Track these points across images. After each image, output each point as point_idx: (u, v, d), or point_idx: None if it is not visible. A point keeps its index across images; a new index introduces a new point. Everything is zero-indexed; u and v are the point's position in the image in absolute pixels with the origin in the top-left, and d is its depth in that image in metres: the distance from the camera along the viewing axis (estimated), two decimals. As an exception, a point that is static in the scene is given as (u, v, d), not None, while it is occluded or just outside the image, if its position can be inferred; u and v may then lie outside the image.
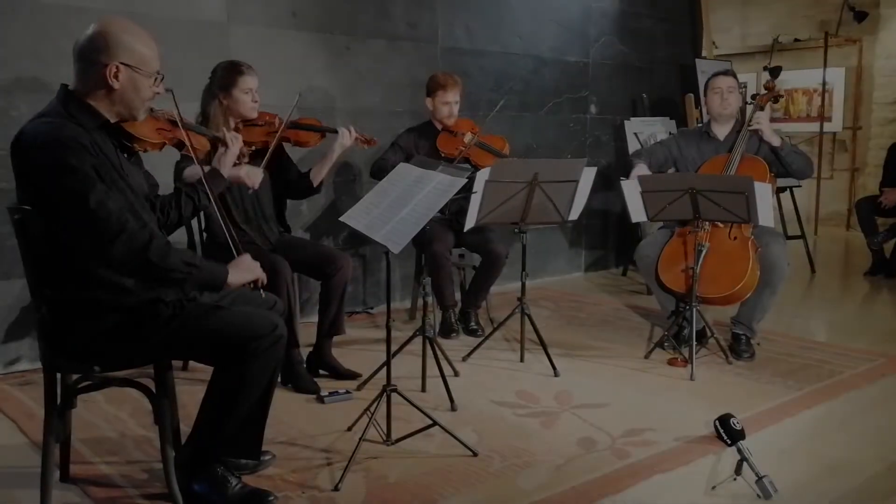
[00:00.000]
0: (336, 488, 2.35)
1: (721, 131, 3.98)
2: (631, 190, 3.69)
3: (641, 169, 3.82)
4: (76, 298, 2.09)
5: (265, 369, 2.18)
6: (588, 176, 3.51)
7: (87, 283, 2.08)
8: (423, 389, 3.22)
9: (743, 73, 6.54)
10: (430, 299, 3.00)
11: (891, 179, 5.98)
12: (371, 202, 2.75)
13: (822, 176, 8.61)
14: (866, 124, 8.69)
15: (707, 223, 3.58)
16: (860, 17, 8.46)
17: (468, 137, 4.07)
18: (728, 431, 2.64)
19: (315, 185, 3.49)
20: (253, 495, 2.23)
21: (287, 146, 3.47)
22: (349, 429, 2.81)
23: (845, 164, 8.91)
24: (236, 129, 3.27)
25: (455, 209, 3.98)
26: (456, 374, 3.45)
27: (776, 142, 3.79)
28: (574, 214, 3.60)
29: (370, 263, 4.77)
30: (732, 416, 2.68)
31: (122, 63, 2.09)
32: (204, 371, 2.47)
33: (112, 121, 2.17)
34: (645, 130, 5.95)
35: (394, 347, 2.82)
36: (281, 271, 3.09)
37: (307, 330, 3.65)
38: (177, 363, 3.18)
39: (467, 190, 3.18)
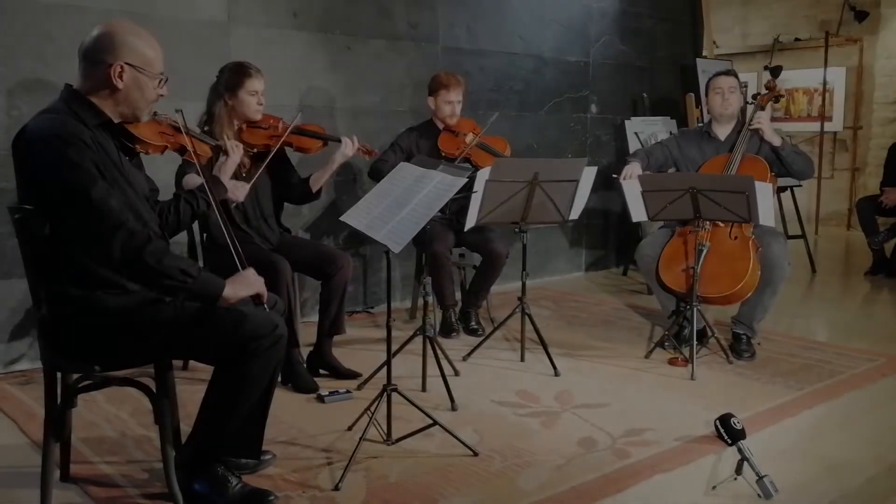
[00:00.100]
0: (336, 488, 2.35)
1: (722, 131, 3.98)
2: (631, 189, 3.69)
3: (634, 167, 3.81)
4: (76, 298, 2.09)
5: (265, 369, 2.18)
6: (589, 176, 3.52)
7: (87, 283, 2.09)
8: (424, 389, 3.22)
9: (744, 73, 6.52)
10: (430, 299, 2.99)
11: (891, 179, 5.98)
12: (371, 202, 2.74)
13: (823, 175, 8.61)
14: (867, 124, 8.69)
15: (708, 223, 3.58)
16: (861, 16, 8.46)
17: (470, 138, 4.07)
18: (728, 431, 2.64)
19: (314, 190, 3.50)
20: (253, 495, 2.23)
21: (288, 151, 3.47)
22: (349, 428, 2.81)
23: (846, 163, 8.90)
24: (240, 131, 3.28)
25: (456, 209, 3.98)
26: (456, 373, 3.45)
27: (777, 142, 3.78)
28: (574, 214, 3.61)
29: (371, 263, 4.78)
30: (733, 416, 2.68)
31: (126, 63, 2.10)
32: (204, 371, 2.47)
33: (115, 121, 2.17)
34: (645, 130, 5.95)
35: (394, 347, 2.82)
36: (281, 271, 3.09)
37: (307, 329, 3.65)
38: (177, 363, 3.18)
39: (468, 189, 3.18)
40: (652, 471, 2.49)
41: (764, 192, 3.39)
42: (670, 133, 5.68)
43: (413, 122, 4.46)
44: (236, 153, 2.74)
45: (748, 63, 9.19)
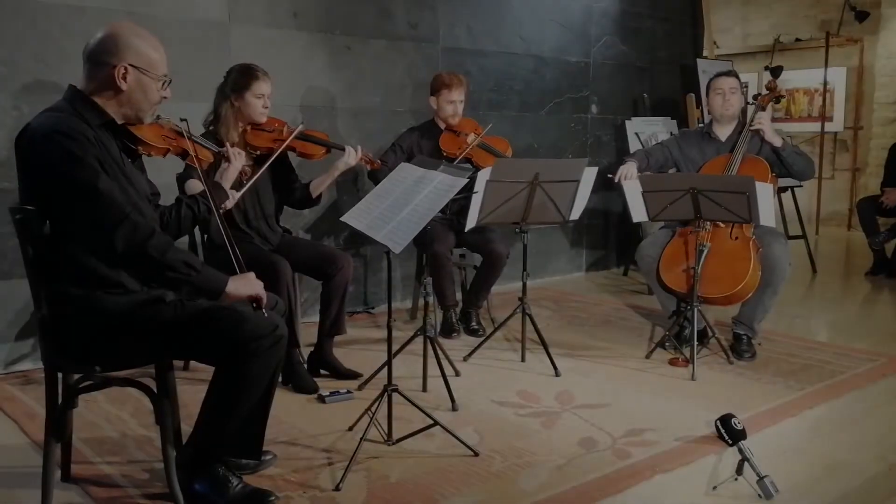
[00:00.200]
0: (337, 488, 2.35)
1: (723, 132, 3.98)
2: (632, 190, 3.69)
3: (630, 167, 3.81)
4: (77, 298, 2.09)
5: (266, 369, 2.18)
6: (589, 176, 3.52)
7: (88, 283, 2.09)
8: (424, 389, 3.22)
9: (744, 73, 6.53)
10: (431, 299, 2.99)
11: (892, 179, 5.98)
12: (372, 202, 2.75)
13: (824, 176, 8.61)
14: (867, 124, 8.69)
15: (708, 223, 3.58)
16: (861, 16, 8.46)
17: (471, 138, 4.07)
18: (729, 431, 2.64)
19: (314, 196, 3.50)
20: (254, 495, 2.23)
21: (291, 156, 3.48)
22: (350, 429, 2.81)
23: (846, 164, 8.91)
24: (244, 132, 3.29)
25: (456, 209, 3.98)
26: (457, 373, 3.45)
27: (778, 142, 3.78)
28: (575, 214, 3.61)
29: (371, 263, 4.78)
30: (733, 416, 2.68)
31: (130, 65, 2.12)
32: (205, 371, 2.47)
33: (118, 122, 2.18)
34: (646, 130, 5.95)
35: (395, 347, 2.82)
36: (281, 271, 3.09)
37: (308, 330, 3.65)
38: (178, 363, 3.18)
39: (468, 190, 3.18)
40: (652, 471, 2.49)
41: (764, 193, 3.39)
42: (671, 133, 5.68)
43: (413, 123, 4.46)
44: (238, 160, 2.75)
45: (749, 63, 9.20)
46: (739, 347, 3.75)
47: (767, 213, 3.43)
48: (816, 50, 8.74)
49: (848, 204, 8.64)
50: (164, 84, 2.20)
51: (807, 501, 2.53)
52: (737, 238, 3.62)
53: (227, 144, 2.88)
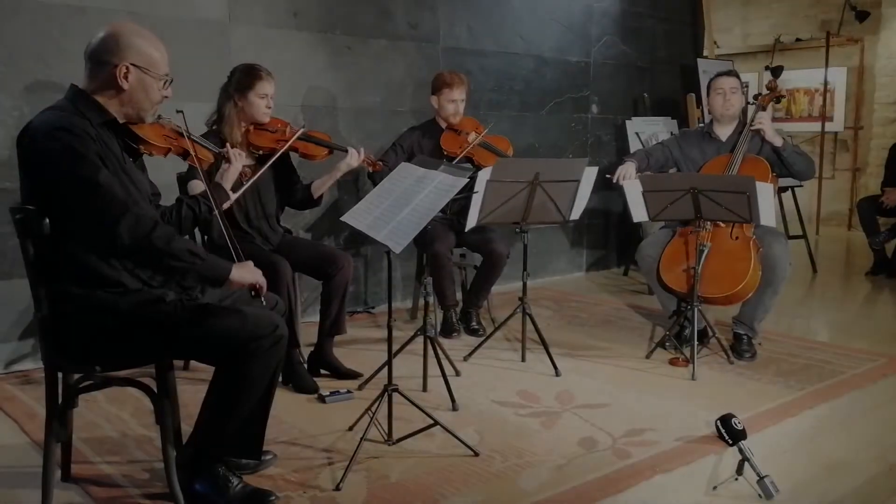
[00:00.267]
0: (337, 488, 2.35)
1: (723, 132, 3.98)
2: (632, 189, 3.69)
3: (628, 168, 3.81)
4: (78, 297, 2.09)
5: (266, 369, 2.18)
6: (589, 176, 3.52)
7: (88, 282, 2.09)
8: (425, 389, 3.22)
9: (744, 73, 6.51)
10: (431, 299, 2.99)
11: (892, 179, 5.98)
12: (372, 202, 2.75)
13: (824, 176, 8.61)
14: (868, 124, 8.68)
15: (709, 223, 3.58)
16: (862, 16, 8.45)
17: (472, 136, 4.07)
18: (729, 431, 2.64)
19: (315, 197, 3.50)
20: (254, 495, 2.23)
21: (293, 157, 3.48)
22: (350, 428, 2.81)
23: (847, 163, 8.90)
24: (247, 132, 3.29)
25: (456, 209, 3.98)
26: (457, 373, 3.45)
27: (778, 142, 3.78)
28: (575, 214, 3.60)
29: (371, 263, 4.78)
30: (734, 416, 2.68)
31: (131, 64, 2.13)
32: (205, 371, 2.48)
33: (120, 121, 2.19)
34: (646, 130, 5.95)
35: (395, 347, 2.82)
36: (281, 271, 3.09)
37: (308, 329, 3.65)
38: (178, 363, 3.18)
39: (469, 190, 3.18)
40: (652, 471, 2.49)
41: (765, 193, 3.38)
42: (671, 133, 5.68)
43: (414, 123, 4.46)
44: (238, 161, 2.75)
45: (749, 63, 9.20)
46: (740, 347, 3.75)
47: (768, 212, 3.43)
48: (817, 50, 8.73)
49: (848, 204, 8.64)
50: (165, 83, 2.21)
51: (807, 501, 2.53)
52: (737, 238, 3.62)
53: (228, 145, 2.88)
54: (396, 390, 2.69)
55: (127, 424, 2.86)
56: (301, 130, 3.34)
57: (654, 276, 3.79)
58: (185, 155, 2.47)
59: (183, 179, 3.25)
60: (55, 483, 2.24)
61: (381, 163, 3.62)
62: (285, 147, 3.25)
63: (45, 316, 2.12)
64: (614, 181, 3.82)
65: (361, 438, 2.51)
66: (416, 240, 2.88)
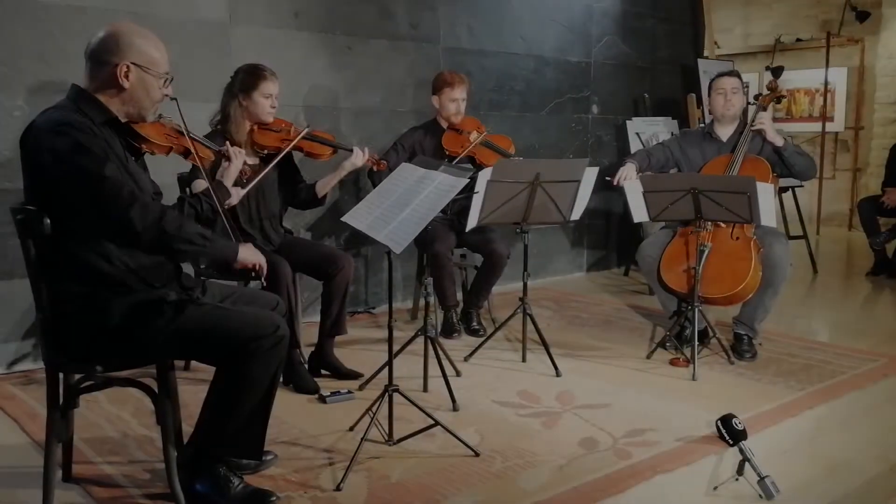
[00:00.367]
0: (338, 488, 2.36)
1: (724, 132, 3.98)
2: (633, 190, 3.69)
3: (629, 169, 3.81)
4: (79, 297, 2.09)
5: (267, 369, 2.18)
6: (590, 176, 3.52)
7: (90, 281, 2.09)
8: (425, 389, 3.22)
9: (745, 73, 6.52)
10: (431, 299, 2.99)
11: (893, 179, 5.98)
12: (373, 202, 2.75)
13: (825, 176, 8.61)
14: (868, 124, 8.68)
15: (709, 223, 3.58)
16: (862, 16, 8.45)
17: (474, 136, 4.07)
18: (730, 431, 2.64)
19: (319, 196, 3.51)
20: (255, 495, 2.23)
21: (298, 156, 3.48)
22: (351, 429, 2.81)
23: (847, 164, 8.90)
24: (251, 131, 3.29)
25: (457, 209, 3.98)
26: (458, 374, 3.45)
27: (779, 142, 3.78)
28: (576, 214, 3.61)
29: (372, 263, 4.78)
30: (734, 417, 2.68)
31: (132, 63, 2.14)
32: (206, 371, 2.48)
33: (121, 120, 2.19)
34: (647, 130, 5.95)
35: (395, 347, 2.82)
36: (281, 272, 3.09)
37: (309, 330, 3.65)
38: (179, 363, 3.18)
39: (469, 190, 3.18)
40: (653, 471, 2.49)
41: (765, 193, 3.38)
42: (671, 134, 5.68)
43: (415, 123, 4.46)
44: (238, 159, 2.75)
45: (749, 63, 9.20)
46: (740, 347, 3.75)
47: (768, 213, 3.43)
48: (817, 50, 8.73)
49: (849, 204, 8.64)
50: (165, 82, 2.22)
51: (808, 502, 2.53)
52: (738, 238, 3.62)
53: (228, 143, 2.89)
54: (397, 390, 2.69)
55: (128, 424, 2.86)
56: (306, 129, 3.35)
57: (654, 277, 3.79)
58: (186, 153, 2.47)
59: (186, 180, 3.25)
60: (56, 483, 2.24)
61: (384, 162, 3.63)
62: (290, 146, 3.27)
63: (46, 316, 2.12)
64: (615, 183, 3.82)
65: (362, 439, 2.52)
66: (416, 240, 2.88)
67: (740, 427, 2.63)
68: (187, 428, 2.36)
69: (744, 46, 9.50)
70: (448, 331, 4.09)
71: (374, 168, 3.59)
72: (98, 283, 2.10)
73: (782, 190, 5.55)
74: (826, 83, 8.71)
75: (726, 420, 2.67)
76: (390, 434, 2.70)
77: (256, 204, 3.36)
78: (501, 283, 4.37)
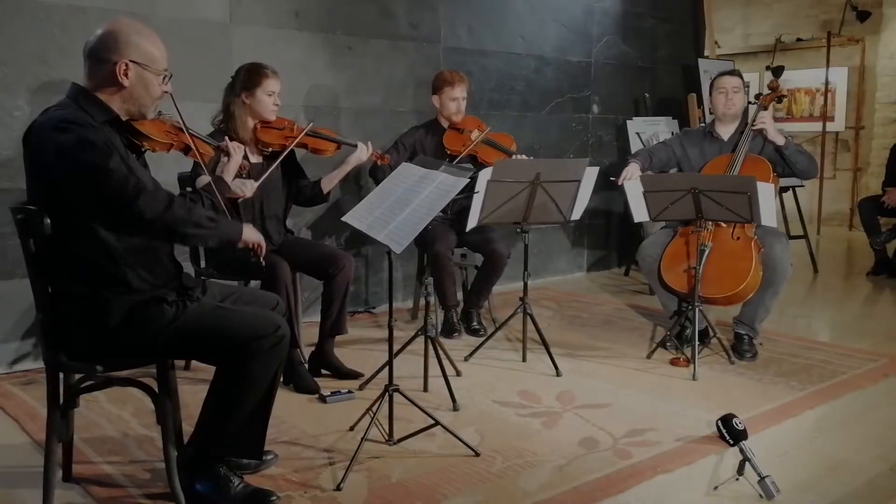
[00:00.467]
0: (338, 488, 2.36)
1: (725, 131, 3.98)
2: (633, 189, 3.69)
3: (633, 169, 3.81)
4: (80, 296, 2.09)
5: (267, 369, 2.18)
6: (590, 176, 3.52)
7: (92, 281, 2.09)
8: (426, 389, 3.22)
9: (746, 73, 6.52)
10: (432, 299, 3.00)
11: (893, 179, 5.98)
12: (373, 202, 2.75)
13: (825, 176, 8.61)
14: (869, 124, 8.68)
15: (710, 223, 3.58)
16: (863, 16, 8.45)
17: (475, 134, 4.06)
18: (730, 431, 2.64)
19: (325, 192, 3.52)
20: (255, 495, 2.23)
21: (301, 153, 3.49)
22: (351, 429, 2.81)
23: (848, 163, 8.90)
24: (255, 130, 3.30)
25: (457, 209, 3.98)
26: (458, 374, 3.45)
27: (780, 141, 3.77)
28: (576, 214, 3.60)
29: (372, 263, 4.78)
30: (735, 417, 2.68)
31: (131, 61, 2.14)
32: (206, 371, 2.48)
33: (122, 118, 2.19)
34: (647, 130, 5.95)
35: (396, 347, 2.82)
36: (280, 273, 3.09)
37: (309, 330, 3.65)
38: (179, 363, 3.18)
39: (469, 190, 3.18)
40: (653, 471, 2.49)
41: (766, 193, 3.38)
42: (672, 133, 5.68)
43: (415, 122, 4.46)
44: (237, 154, 2.76)
45: (750, 63, 9.20)
46: (741, 347, 3.74)
47: (769, 213, 3.42)
48: (818, 50, 8.73)
49: (849, 204, 8.64)
50: (164, 79, 2.22)
51: (808, 501, 2.53)
52: (738, 238, 3.62)
53: (227, 139, 2.89)
54: (397, 390, 2.69)
55: (128, 424, 2.86)
56: (309, 126, 3.36)
57: (655, 277, 3.79)
58: (186, 150, 2.48)
59: (186, 178, 3.25)
60: (56, 483, 2.24)
61: (388, 156, 3.65)
62: (295, 142, 3.28)
63: (46, 316, 2.12)
64: (619, 182, 3.82)
65: (362, 438, 2.52)
66: (416, 240, 2.88)
67: (741, 427, 2.63)
68: (187, 428, 2.36)
69: (744, 46, 9.50)
70: (448, 331, 4.09)
71: (378, 162, 3.61)
72: (98, 283, 2.10)
73: (783, 190, 5.54)
74: (826, 83, 8.71)
75: (727, 420, 2.67)
76: (390, 434, 2.70)
77: (260, 203, 3.36)
78: (502, 283, 4.37)
